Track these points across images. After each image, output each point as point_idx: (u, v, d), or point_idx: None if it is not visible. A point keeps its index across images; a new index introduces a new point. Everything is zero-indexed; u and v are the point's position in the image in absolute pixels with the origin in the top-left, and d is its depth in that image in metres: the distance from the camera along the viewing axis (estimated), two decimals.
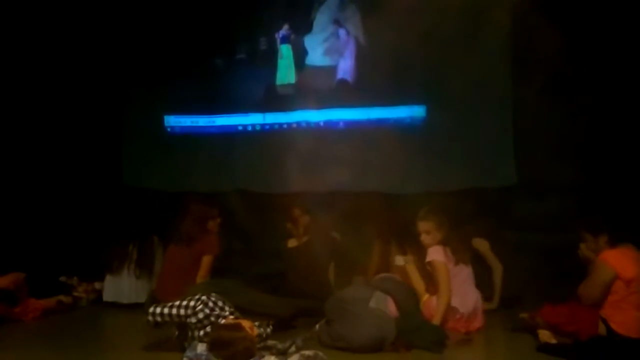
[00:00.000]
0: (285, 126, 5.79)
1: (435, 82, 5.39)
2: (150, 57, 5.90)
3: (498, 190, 5.13)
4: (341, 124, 5.72)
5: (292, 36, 5.73)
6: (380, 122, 5.59)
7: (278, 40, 5.74)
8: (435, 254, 4.24)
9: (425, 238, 4.32)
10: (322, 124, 5.74)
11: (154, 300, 4.84)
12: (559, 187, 4.81)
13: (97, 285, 5.37)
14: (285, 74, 5.74)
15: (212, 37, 5.79)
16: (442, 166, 5.33)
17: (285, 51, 5.73)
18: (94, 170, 5.91)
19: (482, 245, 4.87)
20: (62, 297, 5.11)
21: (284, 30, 5.72)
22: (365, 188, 5.40)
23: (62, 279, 5.39)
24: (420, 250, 4.39)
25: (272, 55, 5.75)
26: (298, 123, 5.76)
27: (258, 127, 5.83)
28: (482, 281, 4.62)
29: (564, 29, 4.88)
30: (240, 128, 5.86)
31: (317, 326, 4.09)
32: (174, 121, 5.99)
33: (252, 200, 5.58)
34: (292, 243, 5.09)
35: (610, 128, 5.00)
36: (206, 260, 4.80)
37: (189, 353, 3.45)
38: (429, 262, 4.25)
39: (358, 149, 5.47)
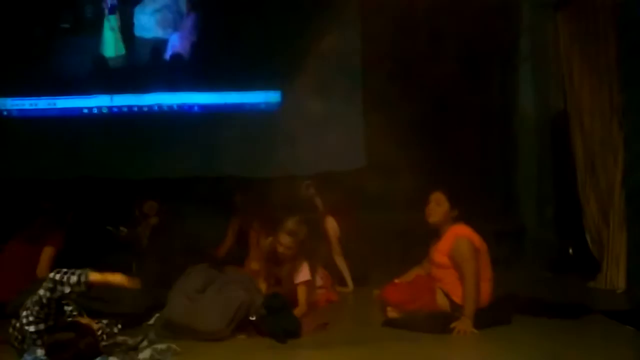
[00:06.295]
0: (135, 109, 5.56)
1: (290, 69, 5.46)
2: None
3: (349, 173, 5.32)
4: (196, 107, 5.60)
5: (120, 6, 5.51)
6: (235, 107, 5.57)
7: (105, 11, 5.50)
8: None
9: None
10: (175, 107, 5.58)
11: None
12: (405, 169, 5.07)
13: None
14: (113, 45, 5.52)
15: (40, 9, 5.46)
16: (298, 150, 5.42)
17: (113, 22, 5.51)
18: None
19: (331, 225, 4.96)
20: None
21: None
22: (221, 173, 5.39)
23: None
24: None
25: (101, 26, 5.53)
26: (150, 106, 5.55)
27: (105, 110, 5.55)
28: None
29: (410, 20, 5.14)
30: (85, 111, 5.54)
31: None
32: (10, 104, 5.51)
33: (100, 188, 5.30)
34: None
35: (453, 112, 5.36)
36: (48, 252, 4.48)
37: (27, 357, 3.22)
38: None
39: (213, 133, 5.42)
